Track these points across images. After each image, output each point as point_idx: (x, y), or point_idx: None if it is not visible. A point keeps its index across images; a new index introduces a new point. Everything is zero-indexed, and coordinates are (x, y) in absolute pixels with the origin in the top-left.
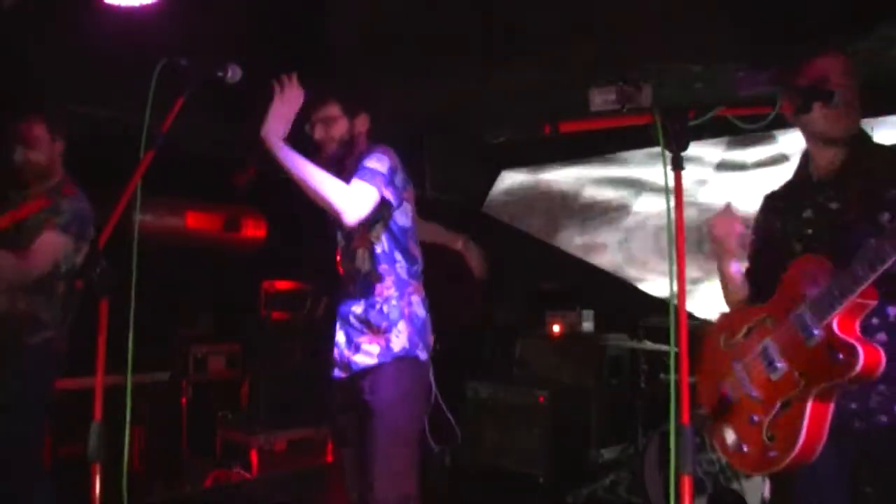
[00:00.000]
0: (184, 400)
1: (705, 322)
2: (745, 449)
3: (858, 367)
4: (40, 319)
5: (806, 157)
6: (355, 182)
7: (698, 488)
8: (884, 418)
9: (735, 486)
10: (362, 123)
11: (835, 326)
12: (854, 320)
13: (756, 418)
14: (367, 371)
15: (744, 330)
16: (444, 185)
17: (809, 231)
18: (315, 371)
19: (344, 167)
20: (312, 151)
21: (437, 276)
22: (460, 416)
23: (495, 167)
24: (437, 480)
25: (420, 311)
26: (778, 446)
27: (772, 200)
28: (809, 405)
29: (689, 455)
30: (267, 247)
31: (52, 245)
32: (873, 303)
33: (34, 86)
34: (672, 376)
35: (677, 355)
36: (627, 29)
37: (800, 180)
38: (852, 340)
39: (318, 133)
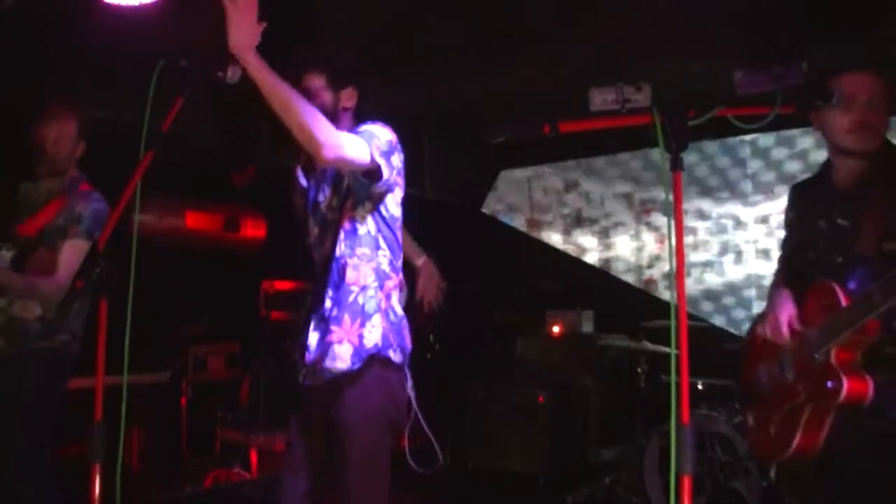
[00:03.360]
0: (184, 400)
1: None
2: (758, 436)
3: (842, 397)
4: (52, 323)
5: (829, 163)
6: (347, 134)
7: (698, 488)
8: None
9: (735, 485)
10: (349, 98)
11: (832, 355)
12: (854, 351)
13: (768, 414)
14: (339, 378)
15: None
16: (444, 185)
17: (821, 244)
18: None
19: None
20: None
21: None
22: (460, 417)
23: (495, 167)
24: (437, 480)
25: (398, 308)
26: (779, 443)
27: (796, 197)
28: (805, 416)
29: (688, 455)
30: (267, 247)
31: (78, 257)
32: (874, 338)
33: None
34: (672, 377)
35: (678, 356)
36: (627, 29)
37: (821, 183)
38: (839, 371)
39: None
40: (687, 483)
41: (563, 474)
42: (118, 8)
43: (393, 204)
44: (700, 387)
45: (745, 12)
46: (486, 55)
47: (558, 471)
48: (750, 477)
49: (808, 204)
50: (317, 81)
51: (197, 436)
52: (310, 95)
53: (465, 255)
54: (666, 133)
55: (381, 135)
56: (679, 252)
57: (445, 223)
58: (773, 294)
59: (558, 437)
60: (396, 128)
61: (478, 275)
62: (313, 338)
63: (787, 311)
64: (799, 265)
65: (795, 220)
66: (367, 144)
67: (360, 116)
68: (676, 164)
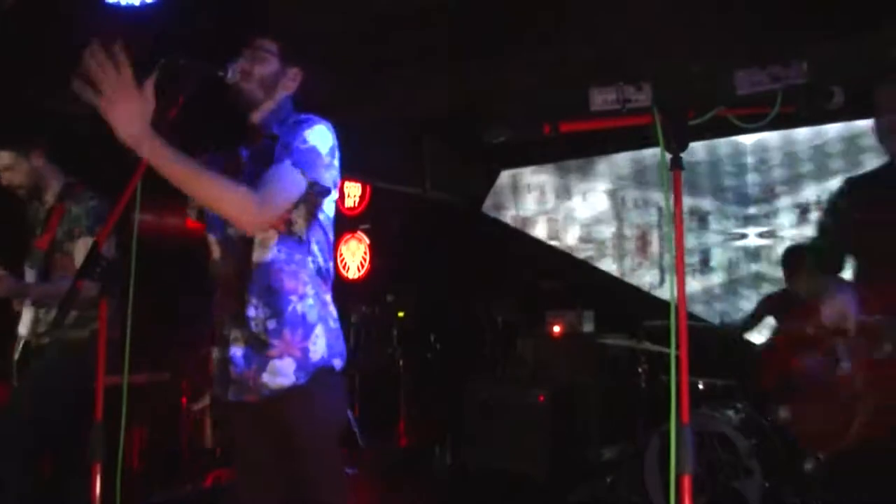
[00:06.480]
0: (184, 400)
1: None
2: (806, 428)
3: None
4: (62, 321)
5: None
6: (283, 171)
7: (698, 488)
8: None
9: (735, 485)
10: (293, 79)
11: None
12: None
13: (818, 406)
14: (283, 393)
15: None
16: (444, 185)
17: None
18: None
19: (252, 109)
20: (223, 89)
21: (434, 273)
22: (460, 416)
23: (495, 167)
24: (437, 480)
25: (334, 312)
26: (834, 433)
27: (859, 189)
28: (864, 407)
29: (688, 455)
30: None
31: None
32: None
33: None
34: (672, 377)
35: (677, 356)
36: (627, 29)
37: (888, 175)
38: None
39: (242, 64)
40: (687, 483)
41: (563, 474)
42: (118, 8)
43: (330, 205)
44: (700, 387)
45: (744, 12)
46: (486, 55)
47: (558, 471)
48: (751, 477)
49: (883, 193)
50: (268, 45)
51: (197, 436)
52: (258, 55)
53: (465, 255)
54: (666, 133)
55: (324, 145)
56: (679, 251)
57: (445, 223)
58: (823, 282)
59: (558, 437)
60: (396, 128)
61: (478, 275)
62: (237, 350)
63: (852, 299)
64: (870, 256)
65: (851, 209)
66: (306, 170)
67: (299, 105)
68: (676, 164)
